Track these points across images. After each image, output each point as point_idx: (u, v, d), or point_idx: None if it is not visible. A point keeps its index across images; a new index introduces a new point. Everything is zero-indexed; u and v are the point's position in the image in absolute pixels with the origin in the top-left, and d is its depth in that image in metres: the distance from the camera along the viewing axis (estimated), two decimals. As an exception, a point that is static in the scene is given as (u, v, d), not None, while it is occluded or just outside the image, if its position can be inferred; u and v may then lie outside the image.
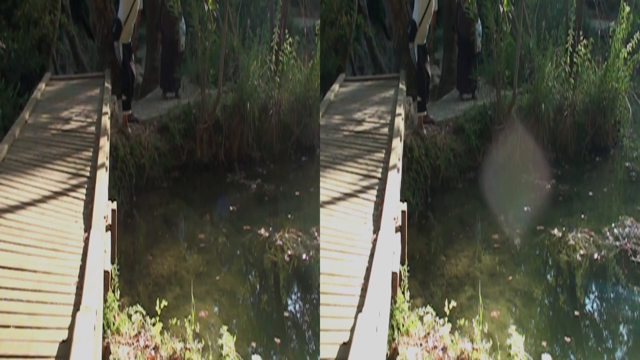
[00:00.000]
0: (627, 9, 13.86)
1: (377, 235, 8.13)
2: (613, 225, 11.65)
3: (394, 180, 9.65)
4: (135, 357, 8.03)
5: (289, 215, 12.10)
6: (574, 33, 13.95)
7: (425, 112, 13.05)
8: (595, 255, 10.94)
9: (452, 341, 8.18)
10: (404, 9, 14.22)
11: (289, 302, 10.48)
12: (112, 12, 13.83)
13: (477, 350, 8.15)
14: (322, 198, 9.33)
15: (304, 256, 10.98)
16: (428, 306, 8.81)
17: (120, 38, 12.92)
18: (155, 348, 8.28)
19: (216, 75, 13.60)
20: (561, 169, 13.56)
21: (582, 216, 12.05)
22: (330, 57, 14.70)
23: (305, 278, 10.63)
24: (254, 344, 9.00)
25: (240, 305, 10.05)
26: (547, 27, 14.61)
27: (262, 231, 11.59)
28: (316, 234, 10.94)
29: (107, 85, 13.32)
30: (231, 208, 12.29)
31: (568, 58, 13.98)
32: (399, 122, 11.57)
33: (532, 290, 10.26)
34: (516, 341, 8.24)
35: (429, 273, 10.49)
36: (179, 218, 12.19)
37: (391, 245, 8.06)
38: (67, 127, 11.95)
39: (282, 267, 10.89)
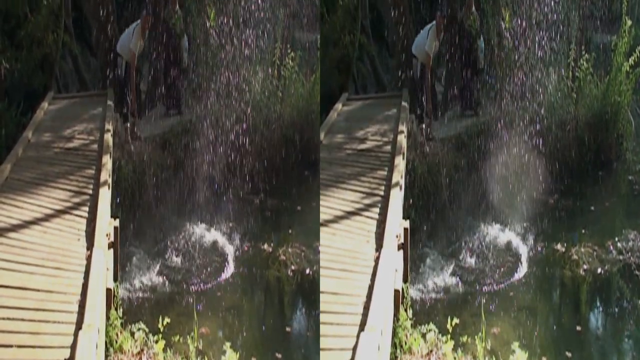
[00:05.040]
0: (629, 22, 13.86)
1: (379, 253, 8.13)
2: (616, 239, 11.63)
3: (397, 197, 9.66)
4: (138, 375, 8.05)
5: (292, 230, 12.09)
6: (576, 47, 13.94)
7: (424, 125, 13.08)
8: (599, 270, 10.93)
9: (454, 358, 8.17)
10: (407, 26, 14.25)
11: (293, 317, 10.47)
12: (114, 31, 13.87)
13: (479, 367, 8.16)
14: (325, 216, 9.34)
15: (307, 271, 10.99)
16: (431, 323, 8.80)
17: (133, 65, 12.99)
18: (158, 366, 8.29)
19: (218, 91, 13.61)
20: (564, 183, 13.53)
21: (585, 231, 12.03)
22: (333, 76, 14.70)
23: (309, 293, 10.63)
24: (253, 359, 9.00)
25: (243, 321, 10.03)
26: (549, 41, 14.60)
27: (265, 246, 11.59)
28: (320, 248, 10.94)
29: (110, 102, 13.34)
30: (233, 223, 12.29)
31: (570, 72, 13.98)
32: (402, 140, 11.59)
33: (535, 306, 10.25)
34: (519, 358, 8.22)
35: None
36: (181, 233, 12.17)
37: (394, 263, 8.06)
38: (70, 145, 11.97)
39: (285, 282, 10.89)
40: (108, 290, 8.29)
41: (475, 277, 10.75)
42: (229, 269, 11.12)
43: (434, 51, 13.12)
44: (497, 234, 11.83)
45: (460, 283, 10.50)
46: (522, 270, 10.99)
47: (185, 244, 11.68)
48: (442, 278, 10.60)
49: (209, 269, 11.10)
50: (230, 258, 11.41)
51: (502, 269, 10.96)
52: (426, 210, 12.20)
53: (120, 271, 9.74)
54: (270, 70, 14.19)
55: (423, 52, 13.15)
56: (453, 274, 10.75)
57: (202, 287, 10.66)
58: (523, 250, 11.48)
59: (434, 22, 13.08)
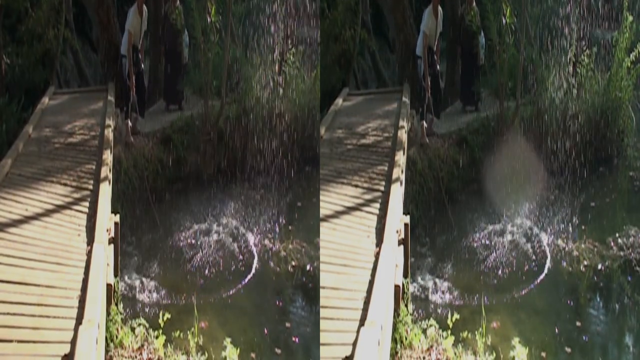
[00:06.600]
0: (630, 18, 13.86)
1: (380, 248, 8.12)
2: (617, 235, 11.63)
3: (397, 193, 9.66)
4: (138, 370, 8.06)
5: (293, 226, 12.10)
6: (577, 43, 13.93)
7: (425, 122, 13.07)
8: (600, 266, 10.93)
9: (455, 354, 8.17)
10: (407, 22, 14.25)
11: (293, 313, 10.48)
12: (115, 26, 13.88)
13: (480, 363, 8.16)
14: (325, 211, 9.34)
15: (307, 267, 11.00)
16: (431, 319, 8.80)
17: (130, 45, 13.04)
18: (159, 361, 8.30)
19: (219, 87, 13.62)
20: (564, 179, 13.53)
21: (585, 227, 12.03)
22: (334, 72, 14.70)
23: (309, 289, 10.64)
24: (253, 355, 9.00)
25: (243, 317, 10.05)
26: (550, 37, 14.59)
27: (266, 242, 11.59)
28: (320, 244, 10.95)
29: (110, 98, 13.35)
30: (234, 219, 12.30)
31: (571, 68, 13.96)
32: (402, 135, 11.59)
33: (535, 302, 10.24)
34: (520, 353, 8.22)
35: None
36: (181, 229, 12.18)
37: (394, 258, 8.06)
38: (71, 140, 12.00)
39: (285, 278, 10.89)
40: (108, 285, 8.30)
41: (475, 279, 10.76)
42: (250, 271, 11.15)
43: (433, 30, 13.07)
44: (498, 230, 11.84)
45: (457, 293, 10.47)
46: (526, 270, 11.00)
47: (185, 242, 11.69)
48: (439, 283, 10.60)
49: (211, 267, 11.12)
50: (255, 258, 11.43)
51: (504, 267, 10.97)
52: (426, 206, 12.23)
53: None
54: (271, 66, 14.19)
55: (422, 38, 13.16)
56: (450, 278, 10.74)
57: (206, 284, 10.68)
58: (525, 247, 11.48)
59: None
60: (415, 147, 12.68)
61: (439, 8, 13.07)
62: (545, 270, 10.96)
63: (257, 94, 13.86)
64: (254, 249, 11.44)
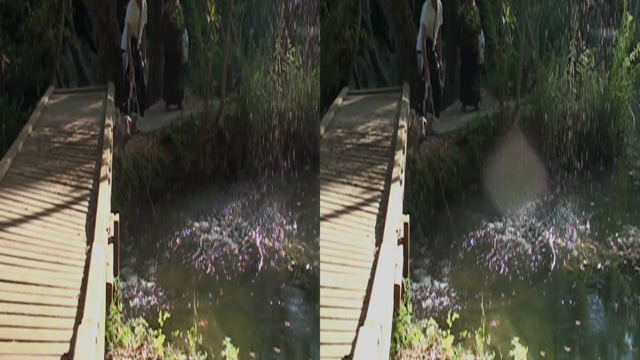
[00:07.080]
0: (630, 17, 13.86)
1: (379, 247, 8.12)
2: (617, 234, 11.63)
3: (397, 192, 9.66)
4: (138, 369, 8.06)
5: (292, 226, 12.10)
6: (577, 43, 13.94)
7: (425, 119, 13.08)
8: (599, 265, 10.93)
9: (454, 353, 8.17)
10: (407, 21, 14.26)
11: (292, 312, 10.48)
12: (115, 25, 13.88)
13: (480, 362, 8.17)
14: (325, 211, 9.34)
15: (307, 266, 11.00)
16: (431, 318, 8.79)
17: (129, 37, 13.05)
18: (158, 360, 8.30)
19: (219, 86, 13.62)
20: (564, 178, 13.54)
21: (585, 226, 12.03)
22: (334, 71, 14.70)
23: (309, 288, 10.64)
24: (252, 354, 9.00)
25: (243, 316, 10.05)
26: (550, 37, 14.60)
27: (266, 241, 11.59)
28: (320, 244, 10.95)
29: (110, 97, 13.34)
30: (234, 219, 12.30)
31: (571, 68, 13.97)
32: (402, 135, 11.58)
33: (535, 301, 10.24)
34: (519, 352, 8.22)
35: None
36: (181, 229, 12.19)
37: (394, 258, 8.06)
38: (70, 140, 11.99)
39: (285, 277, 10.89)
40: (108, 284, 8.30)
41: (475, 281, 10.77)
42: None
43: (432, 23, 13.11)
44: (498, 229, 11.83)
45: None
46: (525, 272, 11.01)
47: (185, 241, 11.69)
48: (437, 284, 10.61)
49: (211, 266, 11.13)
50: (261, 258, 11.43)
51: (504, 267, 10.97)
52: (426, 206, 12.22)
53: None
54: (270, 65, 14.19)
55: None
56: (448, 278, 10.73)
57: (206, 284, 10.69)
58: (524, 247, 11.48)
59: None
60: (415, 143, 12.69)
61: (438, 1, 13.11)
62: (551, 270, 10.97)
63: (257, 93, 13.86)
64: (259, 249, 11.44)
